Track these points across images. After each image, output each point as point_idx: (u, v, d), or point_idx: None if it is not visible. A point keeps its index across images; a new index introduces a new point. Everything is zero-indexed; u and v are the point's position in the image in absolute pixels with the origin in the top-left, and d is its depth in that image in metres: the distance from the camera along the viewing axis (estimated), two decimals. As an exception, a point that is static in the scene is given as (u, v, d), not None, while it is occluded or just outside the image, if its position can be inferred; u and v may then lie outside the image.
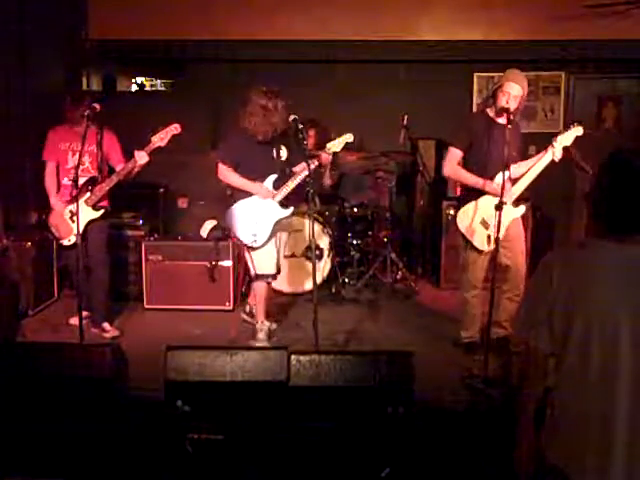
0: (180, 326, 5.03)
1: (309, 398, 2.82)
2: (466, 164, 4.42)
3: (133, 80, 8.16)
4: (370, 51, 6.64)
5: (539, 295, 2.01)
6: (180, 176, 6.41)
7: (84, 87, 6.98)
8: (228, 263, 5.43)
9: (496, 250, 4.06)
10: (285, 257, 5.69)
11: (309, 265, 5.41)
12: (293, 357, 2.84)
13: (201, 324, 5.08)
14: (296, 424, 2.79)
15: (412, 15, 6.62)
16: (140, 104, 7.03)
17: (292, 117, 4.33)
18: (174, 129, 4.78)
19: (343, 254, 6.16)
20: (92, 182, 4.77)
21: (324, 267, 5.78)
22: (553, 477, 1.98)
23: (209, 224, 5.66)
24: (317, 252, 5.60)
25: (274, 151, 4.56)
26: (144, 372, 3.36)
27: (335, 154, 4.88)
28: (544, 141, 4.54)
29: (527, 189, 4.39)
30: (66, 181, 4.80)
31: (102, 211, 4.82)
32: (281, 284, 5.70)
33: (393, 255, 6.07)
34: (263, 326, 4.66)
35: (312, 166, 4.41)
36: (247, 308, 4.99)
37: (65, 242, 4.84)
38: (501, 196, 3.95)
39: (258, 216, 4.52)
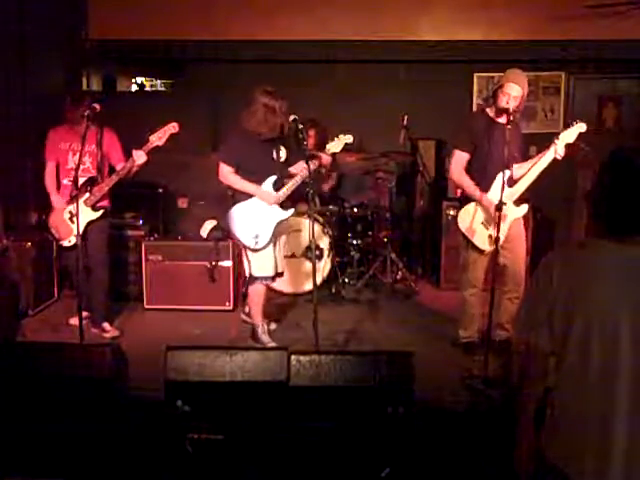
0: (180, 326, 5.03)
1: (309, 398, 2.82)
2: (469, 165, 4.43)
3: (133, 80, 8.17)
4: (370, 51, 6.64)
5: (539, 295, 2.01)
6: (180, 176, 6.41)
7: (84, 87, 6.98)
8: (228, 263, 5.42)
9: (496, 250, 4.06)
10: (285, 257, 5.70)
11: (309, 265, 5.41)
12: (293, 357, 2.84)
13: (201, 324, 5.08)
14: (296, 424, 2.79)
15: (412, 15, 6.62)
16: (140, 104, 7.03)
17: (292, 117, 4.32)
18: (172, 128, 4.78)
19: (343, 254, 6.16)
20: (91, 182, 4.77)
21: (324, 267, 5.78)
22: (553, 477, 1.98)
23: (209, 224, 5.65)
24: (317, 252, 5.60)
25: (274, 152, 4.56)
26: (144, 372, 3.36)
27: (334, 155, 4.86)
28: (544, 141, 4.54)
29: (527, 189, 4.39)
30: (66, 181, 4.80)
31: (102, 211, 4.81)
32: (281, 284, 5.69)
33: (393, 255, 6.07)
34: (264, 327, 4.66)
35: (312, 167, 4.40)
36: (246, 309, 4.98)
37: (65, 243, 4.84)
38: (501, 196, 3.96)
39: (259, 218, 4.52)
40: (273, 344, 4.55)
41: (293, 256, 5.81)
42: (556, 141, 4.26)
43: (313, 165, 4.45)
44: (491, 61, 6.48)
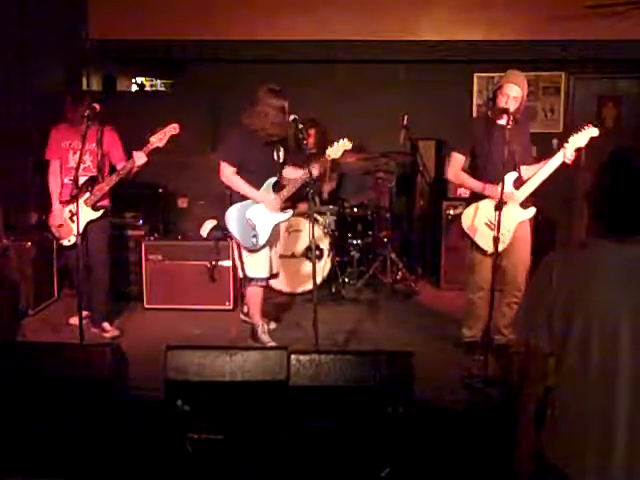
0: (180, 326, 5.03)
1: (309, 398, 2.82)
2: (472, 167, 4.44)
3: (133, 80, 8.16)
4: (370, 51, 6.64)
5: (539, 295, 2.01)
6: (180, 176, 6.41)
7: (84, 87, 6.97)
8: (228, 263, 5.42)
9: (495, 250, 4.04)
10: (285, 257, 5.71)
11: (309, 265, 5.41)
12: (293, 357, 2.84)
13: (201, 324, 5.07)
14: (296, 424, 2.79)
15: (412, 15, 6.62)
16: (140, 104, 7.03)
17: (292, 117, 4.32)
18: (172, 129, 4.77)
19: (343, 254, 6.16)
20: (92, 182, 4.77)
21: (324, 267, 5.77)
22: (553, 477, 1.98)
23: (209, 224, 5.65)
24: (317, 252, 5.60)
25: (274, 153, 4.56)
26: (144, 372, 3.36)
27: (333, 160, 4.84)
28: (544, 141, 4.56)
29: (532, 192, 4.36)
30: (67, 180, 4.80)
31: (102, 211, 4.81)
32: (281, 284, 5.70)
33: (393, 255, 6.07)
34: (264, 327, 4.66)
35: (313, 171, 4.38)
36: (245, 309, 4.98)
37: (65, 242, 4.84)
38: (500, 196, 3.95)
39: (257, 219, 4.52)
40: (273, 344, 4.55)
41: (293, 256, 5.81)
42: (566, 145, 4.20)
43: (314, 169, 4.41)
44: (491, 61, 6.48)
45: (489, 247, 4.24)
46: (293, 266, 5.79)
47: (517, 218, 4.28)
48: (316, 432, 2.78)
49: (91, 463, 2.87)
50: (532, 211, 4.35)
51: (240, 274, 4.69)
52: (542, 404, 2.06)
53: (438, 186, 6.42)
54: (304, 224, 5.69)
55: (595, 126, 4.25)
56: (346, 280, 6.05)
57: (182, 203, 6.63)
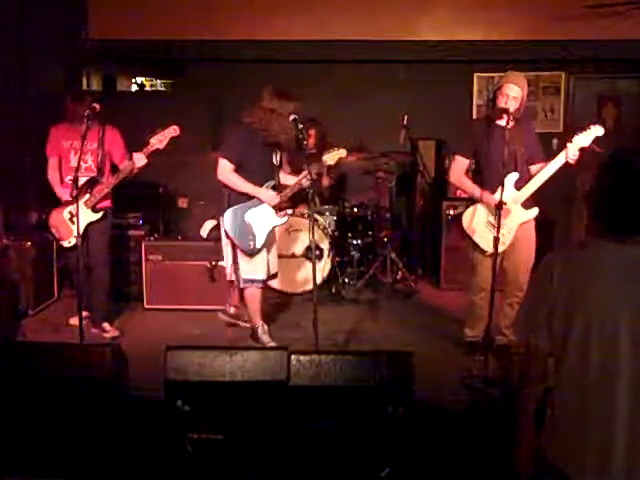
0: (180, 326, 5.03)
1: (309, 398, 2.82)
2: (476, 171, 4.45)
3: (133, 80, 8.15)
4: (370, 51, 6.64)
5: (539, 295, 2.01)
6: (180, 176, 6.41)
7: (84, 87, 6.97)
8: (228, 263, 5.41)
9: (495, 251, 4.03)
10: (285, 257, 5.71)
11: (309, 265, 5.41)
12: (293, 357, 2.84)
13: (201, 324, 5.07)
14: (296, 424, 2.79)
15: (412, 15, 6.62)
16: (140, 104, 7.03)
17: (292, 117, 4.31)
18: (172, 131, 4.75)
19: (343, 254, 6.16)
20: (92, 183, 4.77)
21: (324, 267, 5.77)
22: (553, 477, 1.98)
23: (209, 224, 5.65)
24: (317, 252, 5.60)
25: (273, 154, 4.56)
26: (144, 372, 3.36)
27: (329, 166, 4.86)
28: (544, 141, 4.55)
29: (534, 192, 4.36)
30: (68, 180, 4.79)
31: (102, 213, 4.80)
32: (281, 284, 5.70)
33: (393, 255, 6.07)
34: (264, 327, 4.66)
35: (306, 180, 4.43)
36: (229, 308, 4.89)
37: (65, 244, 4.83)
38: (501, 197, 3.95)
39: (255, 222, 4.52)
40: (273, 344, 4.55)
41: (293, 256, 5.81)
42: (569, 144, 4.18)
43: (313, 172, 4.41)
44: (491, 61, 6.49)
45: (489, 247, 4.22)
46: (293, 266, 5.79)
47: (519, 219, 4.27)
48: (316, 432, 2.78)
49: (91, 463, 2.87)
50: (534, 211, 4.34)
51: (231, 277, 4.62)
52: (542, 404, 2.06)
53: (438, 186, 6.42)
54: (304, 224, 5.69)
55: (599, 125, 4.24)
56: (346, 280, 6.05)
57: (182, 203, 6.63)
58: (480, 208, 4.36)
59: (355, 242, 6.11)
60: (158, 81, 8.36)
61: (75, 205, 4.32)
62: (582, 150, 4.20)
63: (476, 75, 7.02)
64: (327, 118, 6.38)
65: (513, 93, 4.15)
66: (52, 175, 4.86)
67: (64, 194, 4.78)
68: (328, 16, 6.54)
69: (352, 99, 6.71)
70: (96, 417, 2.86)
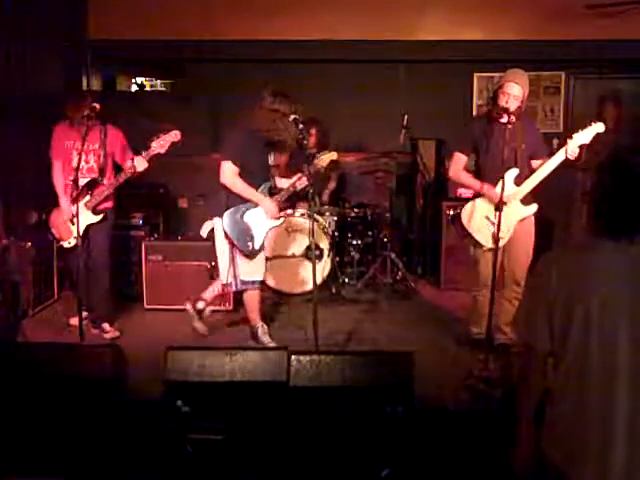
0: (180, 326, 5.02)
1: (309, 398, 2.82)
2: (476, 167, 4.47)
3: (133, 80, 8.15)
4: (370, 51, 6.64)
5: (539, 295, 2.01)
6: (180, 176, 6.42)
7: (84, 87, 6.97)
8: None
9: (495, 249, 4.05)
10: (285, 257, 5.71)
11: (309, 265, 5.41)
12: (293, 357, 2.84)
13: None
14: (296, 424, 2.79)
15: (412, 15, 6.63)
16: (140, 104, 7.03)
17: (292, 117, 4.31)
18: (174, 136, 4.70)
19: (343, 254, 6.16)
20: (92, 184, 4.76)
21: (324, 267, 5.77)
22: (553, 477, 1.98)
23: (209, 224, 5.63)
24: (317, 252, 5.59)
25: (269, 156, 4.57)
26: (144, 372, 3.36)
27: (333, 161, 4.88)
28: (544, 141, 4.54)
29: (533, 189, 4.36)
30: (69, 180, 4.78)
31: (102, 215, 4.79)
32: (281, 284, 5.70)
33: (393, 255, 6.07)
34: (264, 328, 4.65)
35: (300, 183, 4.49)
36: (200, 304, 4.80)
37: (65, 244, 4.83)
38: (501, 195, 3.96)
39: (253, 223, 4.51)
40: (273, 344, 4.55)
41: (293, 256, 5.81)
42: (569, 141, 4.19)
43: (305, 178, 4.45)
44: (491, 61, 6.49)
45: (487, 243, 4.28)
46: (293, 266, 5.79)
47: (517, 215, 4.29)
48: (316, 432, 2.78)
49: (91, 463, 2.87)
50: (533, 208, 4.35)
51: (228, 279, 4.57)
52: (542, 404, 2.06)
53: (438, 186, 6.42)
54: (304, 224, 5.69)
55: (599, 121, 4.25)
56: (346, 280, 6.06)
57: (182, 203, 6.63)
58: (479, 204, 4.38)
59: (355, 242, 6.11)
60: (158, 81, 8.36)
61: (75, 206, 4.32)
62: (582, 147, 4.20)
63: (476, 75, 7.03)
64: (327, 118, 6.38)
65: (514, 92, 4.15)
66: (58, 181, 4.83)
67: (66, 206, 4.75)
68: (328, 16, 6.54)
69: (352, 99, 6.72)
70: (96, 417, 2.86)
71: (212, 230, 4.63)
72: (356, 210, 6.21)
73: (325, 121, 6.36)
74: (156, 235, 5.88)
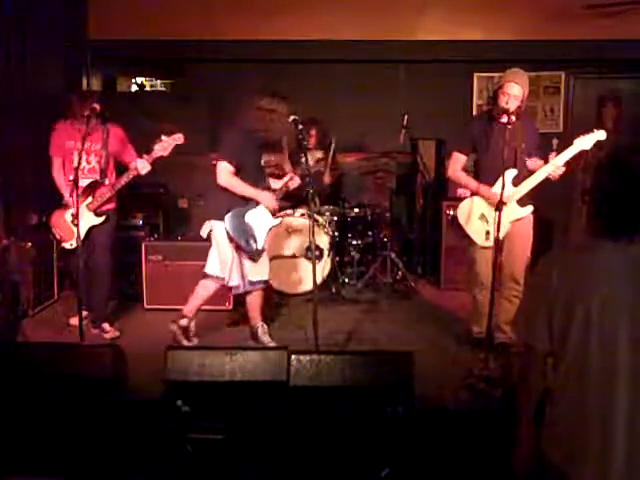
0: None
1: (309, 398, 2.82)
2: (476, 167, 4.49)
3: (133, 80, 8.15)
4: (370, 51, 6.64)
5: (539, 295, 2.01)
6: (180, 176, 6.41)
7: (84, 87, 6.97)
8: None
9: (495, 250, 4.06)
10: (285, 257, 5.71)
11: (309, 265, 5.41)
12: (293, 357, 2.84)
13: (201, 325, 5.06)
14: (296, 424, 2.79)
15: (412, 15, 6.62)
16: (140, 104, 7.03)
17: (292, 117, 4.31)
18: (177, 139, 4.69)
19: (343, 254, 6.16)
20: (94, 186, 4.76)
21: (324, 267, 5.77)
22: (553, 477, 1.98)
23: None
24: (317, 252, 5.60)
25: (262, 157, 4.58)
26: (144, 372, 3.36)
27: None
28: (544, 141, 4.55)
29: (531, 191, 4.37)
30: (70, 180, 4.77)
31: (104, 217, 4.79)
32: (281, 284, 5.70)
33: (393, 255, 6.07)
34: (264, 327, 4.65)
35: (292, 183, 4.58)
36: (183, 321, 4.65)
37: (67, 245, 4.82)
38: (501, 196, 3.96)
39: (255, 223, 4.51)
40: (274, 344, 4.55)
41: (293, 256, 5.81)
42: (571, 147, 4.23)
43: (296, 178, 4.58)
44: (491, 61, 6.48)
45: (481, 240, 4.34)
46: (293, 266, 5.79)
47: (512, 216, 4.30)
48: (316, 432, 2.78)
49: (91, 463, 2.87)
50: (529, 209, 4.37)
51: (235, 281, 4.53)
52: (542, 404, 2.06)
53: (438, 186, 6.42)
54: (304, 224, 5.69)
55: (596, 129, 4.27)
56: (346, 280, 6.06)
57: (182, 203, 6.63)
58: (475, 201, 4.42)
59: (355, 242, 6.11)
60: (158, 81, 8.36)
61: (76, 207, 4.31)
62: (569, 163, 4.25)
63: (476, 75, 7.02)
64: (327, 118, 6.38)
65: (514, 92, 4.15)
66: (57, 176, 4.82)
67: (69, 200, 4.73)
68: (328, 16, 6.54)
69: (352, 99, 6.71)
70: (96, 417, 2.86)
71: (210, 232, 4.61)
72: (356, 210, 6.20)
73: (325, 121, 6.36)
74: (156, 235, 5.88)
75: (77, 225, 4.31)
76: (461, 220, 4.45)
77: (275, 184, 4.71)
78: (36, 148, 5.16)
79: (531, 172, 4.33)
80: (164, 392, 2.85)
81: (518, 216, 4.34)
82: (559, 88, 7.03)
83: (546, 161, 4.31)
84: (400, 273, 6.11)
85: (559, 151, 4.33)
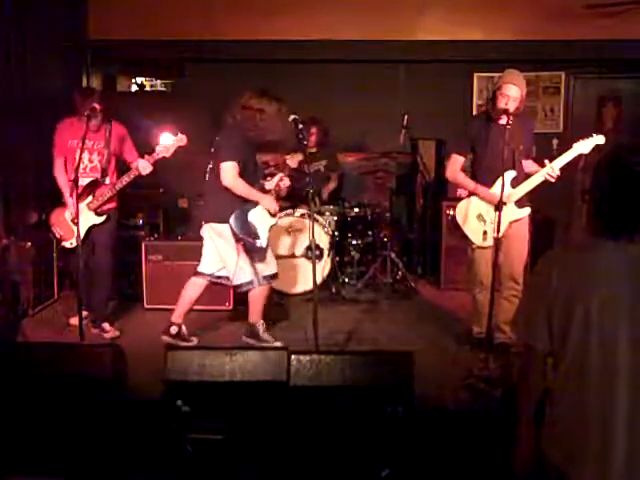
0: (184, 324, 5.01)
1: (309, 398, 2.82)
2: (473, 168, 4.49)
3: (133, 80, 8.15)
4: (370, 51, 6.64)
5: (538, 294, 2.01)
6: (180, 176, 6.40)
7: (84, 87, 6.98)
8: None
9: (495, 250, 4.06)
10: (285, 257, 5.72)
11: (309, 265, 5.41)
12: (293, 357, 2.84)
13: (201, 324, 5.07)
14: (296, 424, 2.79)
15: (412, 15, 6.63)
16: (140, 104, 7.02)
17: (292, 117, 4.31)
18: (180, 141, 4.68)
19: (343, 254, 6.16)
20: (94, 185, 4.75)
21: (324, 267, 5.78)
22: (553, 477, 1.98)
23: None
24: (317, 252, 5.60)
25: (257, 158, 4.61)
26: (144, 372, 3.36)
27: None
28: (544, 141, 4.55)
29: (530, 192, 4.38)
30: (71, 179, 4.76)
31: (105, 217, 4.79)
32: (281, 284, 5.69)
33: (393, 255, 6.07)
34: (264, 325, 4.65)
35: (283, 184, 4.61)
36: (173, 329, 4.66)
37: (67, 244, 4.82)
38: (501, 196, 3.97)
39: (257, 221, 4.52)
40: (276, 342, 4.54)
41: (293, 256, 5.81)
42: (570, 151, 4.26)
43: (280, 181, 4.60)
44: (491, 61, 6.48)
45: (478, 240, 4.37)
46: (293, 266, 5.79)
47: (510, 216, 4.31)
48: (316, 432, 2.78)
49: (91, 463, 2.87)
50: (527, 210, 4.40)
51: (246, 278, 4.54)
52: (542, 404, 2.06)
53: (438, 186, 6.42)
54: (304, 224, 5.69)
55: (595, 129, 4.28)
56: (346, 280, 6.06)
57: (182, 203, 6.63)
58: (473, 202, 4.43)
59: (355, 242, 6.11)
60: (158, 81, 8.36)
61: (76, 206, 4.31)
62: (563, 169, 4.26)
63: (476, 75, 7.03)
64: (327, 118, 6.39)
65: (513, 93, 4.16)
66: (59, 175, 4.79)
67: (70, 200, 4.71)
68: (328, 16, 6.54)
69: (352, 99, 6.71)
70: (96, 417, 2.86)
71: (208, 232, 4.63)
72: (356, 210, 6.20)
73: (325, 121, 6.36)
74: (156, 235, 5.88)
75: (77, 224, 4.32)
76: (459, 220, 4.47)
77: (268, 184, 4.70)
78: (36, 147, 5.16)
79: (527, 174, 4.35)
80: (164, 392, 2.85)
81: (516, 217, 4.36)
82: (559, 88, 7.03)
83: (541, 165, 4.34)
84: (400, 273, 6.11)
85: (557, 154, 4.34)
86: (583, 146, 4.24)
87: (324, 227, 5.86)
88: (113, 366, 2.92)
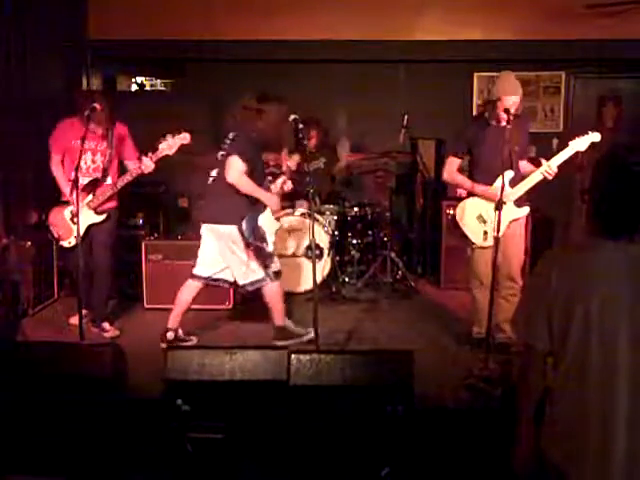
0: (180, 326, 5.01)
1: (309, 397, 2.82)
2: (471, 168, 4.51)
3: (133, 80, 8.15)
4: (370, 51, 6.64)
5: (538, 294, 2.01)
6: (180, 176, 6.41)
7: (84, 87, 6.97)
8: (228, 263, 5.41)
9: (495, 250, 4.07)
10: (285, 257, 5.72)
11: (309, 264, 5.41)
12: (293, 356, 2.84)
13: (201, 324, 5.07)
14: (296, 423, 2.79)
15: (412, 15, 6.62)
16: (140, 104, 7.03)
17: (292, 117, 4.31)
18: (183, 139, 4.66)
19: (343, 253, 6.16)
20: (95, 184, 4.75)
21: (324, 266, 5.78)
22: (553, 477, 1.98)
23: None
24: (317, 252, 5.60)
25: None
26: (144, 372, 3.36)
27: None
28: (544, 141, 4.56)
29: (529, 191, 4.39)
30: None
31: (105, 216, 4.80)
32: (282, 283, 5.68)
33: (393, 255, 6.07)
34: (292, 323, 4.72)
35: (286, 186, 4.65)
36: (169, 334, 4.65)
37: (65, 244, 4.82)
38: (501, 196, 3.97)
39: (265, 226, 4.55)
40: (310, 329, 4.45)
41: (293, 255, 5.82)
42: (566, 149, 4.27)
43: (284, 183, 4.63)
44: (491, 61, 6.49)
45: (478, 240, 4.39)
46: (293, 266, 5.79)
47: (509, 216, 4.32)
48: (316, 431, 2.79)
49: (91, 463, 2.87)
50: (525, 210, 4.42)
51: (258, 276, 4.54)
52: (542, 404, 2.06)
53: (438, 186, 6.42)
54: (304, 224, 5.70)
55: (595, 129, 4.30)
56: (346, 280, 6.06)
57: (182, 203, 6.63)
58: (472, 202, 4.45)
59: (355, 242, 6.12)
60: (158, 81, 8.36)
61: (76, 205, 4.31)
62: (560, 167, 4.26)
63: (476, 75, 7.03)
64: (327, 118, 6.39)
65: (512, 102, 4.18)
66: (56, 170, 4.78)
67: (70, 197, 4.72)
68: (328, 16, 6.53)
69: (352, 99, 6.71)
70: (96, 416, 2.86)
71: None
72: (356, 209, 6.21)
73: (325, 121, 6.36)
74: (156, 234, 5.87)
75: (77, 224, 4.32)
76: (459, 221, 4.49)
77: (272, 187, 4.70)
78: (36, 147, 5.16)
79: (523, 175, 4.36)
80: (164, 391, 2.86)
81: (515, 216, 4.38)
82: (559, 88, 7.03)
83: (537, 165, 4.35)
84: (400, 272, 6.12)
85: (557, 154, 4.34)
86: (579, 144, 4.27)
87: (324, 226, 5.86)
88: (113, 365, 2.92)
